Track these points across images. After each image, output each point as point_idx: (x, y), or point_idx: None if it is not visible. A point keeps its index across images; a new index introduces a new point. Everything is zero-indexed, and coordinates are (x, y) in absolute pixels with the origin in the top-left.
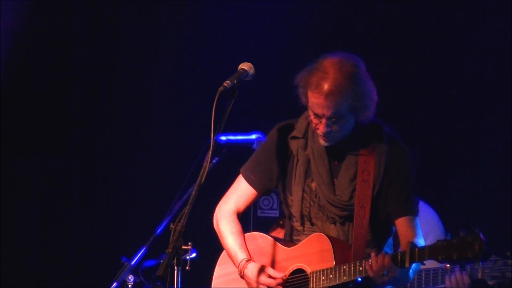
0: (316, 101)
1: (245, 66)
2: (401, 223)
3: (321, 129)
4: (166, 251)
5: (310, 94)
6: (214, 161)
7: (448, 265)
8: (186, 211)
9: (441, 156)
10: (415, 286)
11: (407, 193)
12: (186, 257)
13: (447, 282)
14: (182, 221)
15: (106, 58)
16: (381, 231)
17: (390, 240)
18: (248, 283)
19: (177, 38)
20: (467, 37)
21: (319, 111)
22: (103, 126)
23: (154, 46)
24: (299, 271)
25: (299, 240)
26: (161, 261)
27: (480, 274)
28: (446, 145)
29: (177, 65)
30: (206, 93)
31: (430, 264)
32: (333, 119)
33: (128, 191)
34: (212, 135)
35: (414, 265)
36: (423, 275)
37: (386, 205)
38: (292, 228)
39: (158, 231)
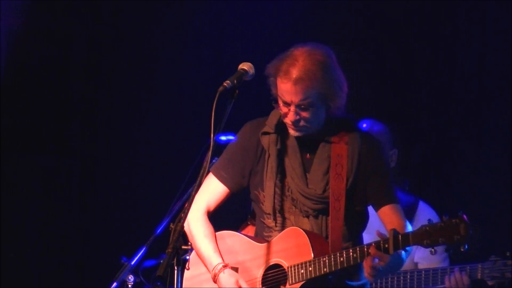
0: (285, 87)
1: (245, 66)
2: (385, 212)
3: (289, 117)
4: (166, 251)
5: (279, 80)
6: (214, 161)
7: (432, 249)
8: (186, 211)
9: (441, 156)
10: (415, 286)
11: (385, 182)
12: (186, 257)
13: (447, 282)
14: (182, 221)
15: (106, 57)
16: (354, 225)
17: (362, 235)
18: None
19: (177, 38)
20: (467, 37)
21: (288, 98)
22: (103, 125)
23: (154, 46)
24: (276, 266)
25: (271, 237)
26: (161, 261)
27: (479, 274)
28: (446, 145)
29: (177, 65)
30: (206, 93)
31: (429, 264)
32: (302, 106)
33: (128, 191)
34: (212, 135)
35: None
36: (423, 275)
37: (363, 198)
38: (263, 225)
39: (158, 231)
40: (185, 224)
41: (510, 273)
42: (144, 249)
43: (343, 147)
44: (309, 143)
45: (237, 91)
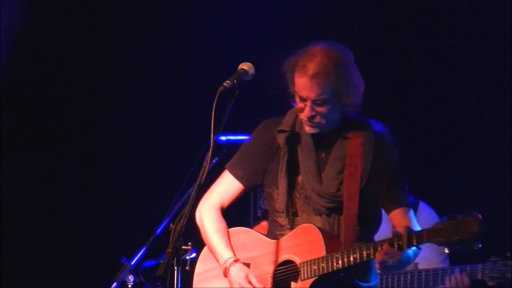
0: (301, 81)
1: (245, 66)
2: (396, 215)
3: (305, 113)
4: (166, 251)
5: (296, 76)
6: (214, 161)
7: (446, 249)
8: (186, 211)
9: (441, 156)
10: (415, 287)
11: (397, 186)
12: (186, 257)
13: (447, 282)
14: (182, 221)
15: (106, 58)
16: (367, 226)
17: (374, 238)
18: (230, 282)
19: (177, 38)
20: (467, 37)
21: (304, 93)
22: (103, 126)
23: (154, 46)
24: (288, 262)
25: (283, 235)
26: (161, 261)
27: (480, 274)
28: (446, 145)
29: (177, 65)
30: (206, 93)
31: (429, 264)
32: (318, 102)
33: (128, 191)
34: (212, 135)
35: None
36: (423, 275)
37: (375, 199)
38: (275, 224)
39: (158, 231)
40: (198, 219)
41: (510, 274)
42: (144, 249)
43: (357, 148)
44: (324, 143)
45: (237, 91)
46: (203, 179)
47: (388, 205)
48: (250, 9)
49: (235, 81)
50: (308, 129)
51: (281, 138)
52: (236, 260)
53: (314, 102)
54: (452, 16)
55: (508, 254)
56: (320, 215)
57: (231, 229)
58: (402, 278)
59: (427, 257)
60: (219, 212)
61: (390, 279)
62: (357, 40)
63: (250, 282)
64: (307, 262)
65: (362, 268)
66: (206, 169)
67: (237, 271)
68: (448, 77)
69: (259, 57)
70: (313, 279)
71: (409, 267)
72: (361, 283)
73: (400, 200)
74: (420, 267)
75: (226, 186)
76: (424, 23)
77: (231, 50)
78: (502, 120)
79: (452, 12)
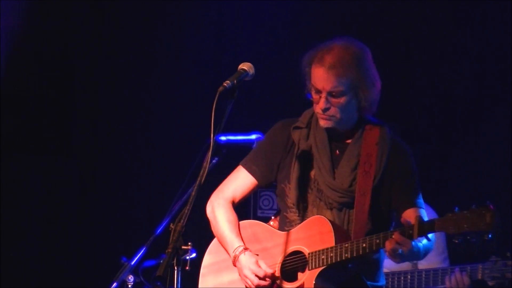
0: (318, 72)
1: (245, 66)
2: (408, 212)
3: (320, 104)
4: (166, 251)
5: (313, 67)
6: (214, 161)
7: (457, 240)
8: (186, 211)
9: (441, 156)
10: (415, 286)
11: (411, 188)
12: (186, 257)
13: (447, 282)
14: (182, 221)
15: (106, 58)
16: (378, 224)
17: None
18: (239, 269)
19: (177, 38)
20: (468, 37)
21: (320, 84)
22: (104, 126)
23: (154, 46)
24: (297, 253)
25: None
26: (161, 261)
27: (480, 274)
28: (446, 145)
29: (177, 65)
30: (206, 93)
31: (429, 264)
32: (333, 93)
33: (128, 191)
34: (212, 135)
35: (425, 241)
36: (423, 275)
37: (388, 200)
38: (285, 220)
39: (158, 231)
40: (209, 211)
41: (511, 274)
42: (144, 249)
43: (373, 148)
44: (339, 141)
45: (237, 91)
46: (203, 179)
47: (401, 206)
48: (250, 9)
49: (235, 81)
50: (322, 122)
51: (296, 134)
52: (246, 249)
53: (329, 93)
54: (452, 16)
55: (508, 254)
56: (331, 209)
57: (241, 222)
58: (402, 278)
59: (427, 257)
60: (230, 205)
61: (390, 279)
62: (358, 39)
63: (260, 267)
64: (316, 252)
65: (371, 267)
66: (206, 169)
67: (247, 258)
68: (448, 77)
69: (259, 57)
70: (321, 268)
71: (409, 267)
72: (369, 282)
73: (413, 201)
74: (420, 267)
75: (240, 181)
76: (424, 23)
77: (231, 50)
78: (502, 120)
79: (452, 11)
